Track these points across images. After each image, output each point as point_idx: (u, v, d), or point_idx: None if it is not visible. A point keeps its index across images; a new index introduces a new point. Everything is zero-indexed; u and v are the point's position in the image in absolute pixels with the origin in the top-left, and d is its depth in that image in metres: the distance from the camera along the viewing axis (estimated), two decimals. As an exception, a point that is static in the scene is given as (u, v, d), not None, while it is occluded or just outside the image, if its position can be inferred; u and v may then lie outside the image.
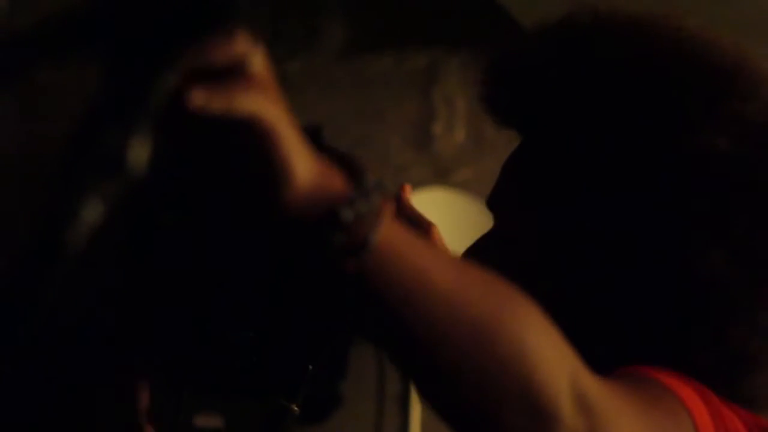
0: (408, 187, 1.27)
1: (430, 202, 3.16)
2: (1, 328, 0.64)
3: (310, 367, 1.27)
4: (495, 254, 1.17)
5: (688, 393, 0.96)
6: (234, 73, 0.72)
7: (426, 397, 0.79)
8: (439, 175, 3.44)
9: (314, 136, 3.16)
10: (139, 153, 0.66)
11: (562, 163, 1.11)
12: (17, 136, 3.30)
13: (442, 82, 3.48)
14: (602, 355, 1.02)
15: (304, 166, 0.76)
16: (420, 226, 1.25)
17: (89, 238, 0.66)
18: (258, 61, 0.73)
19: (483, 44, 3.46)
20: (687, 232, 1.05)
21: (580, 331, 1.01)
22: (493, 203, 1.21)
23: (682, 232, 1.05)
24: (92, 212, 0.63)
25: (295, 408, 1.28)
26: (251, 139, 0.77)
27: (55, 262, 0.63)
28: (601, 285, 1.08)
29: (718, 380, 1.05)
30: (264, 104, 0.73)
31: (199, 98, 0.70)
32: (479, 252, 1.19)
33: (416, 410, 3.21)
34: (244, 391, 1.25)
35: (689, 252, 1.05)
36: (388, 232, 0.77)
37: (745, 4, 2.99)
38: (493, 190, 1.21)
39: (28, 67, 0.80)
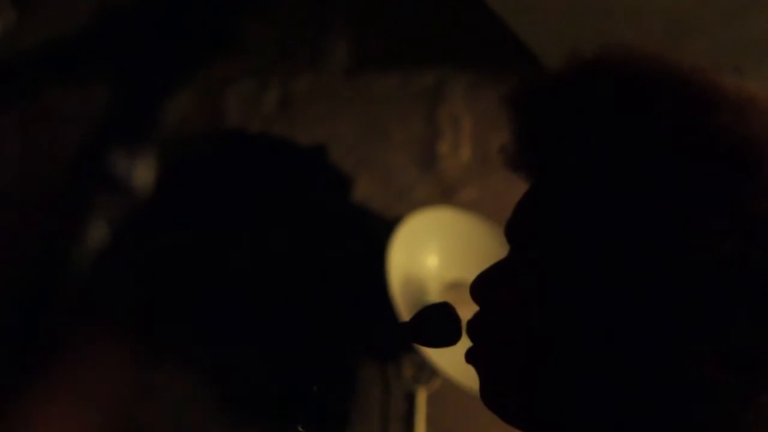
0: None
1: (436, 222, 3.16)
2: (7, 342, 0.64)
3: (315, 387, 1.27)
4: (504, 286, 1.15)
5: None
6: None
7: None
8: (445, 194, 3.43)
9: (319, 156, 3.18)
10: (144, 175, 0.66)
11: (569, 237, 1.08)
12: (23, 155, 3.30)
13: (448, 102, 3.48)
14: None
15: None
16: None
17: (94, 258, 0.66)
18: None
19: (488, 64, 3.46)
20: (685, 338, 1.00)
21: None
22: (509, 234, 1.19)
23: (680, 337, 1.00)
24: (97, 234, 0.63)
25: (300, 429, 1.27)
26: None
27: (61, 281, 0.62)
28: (593, 379, 1.04)
29: None
30: None
31: None
32: (490, 280, 1.17)
33: (420, 431, 3.20)
34: (250, 411, 1.24)
35: (686, 357, 1.00)
36: None
37: (750, 27, 2.99)
38: (511, 219, 1.18)
39: (34, 87, 0.80)
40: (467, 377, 3.00)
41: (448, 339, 1.20)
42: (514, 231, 1.17)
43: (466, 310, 3.19)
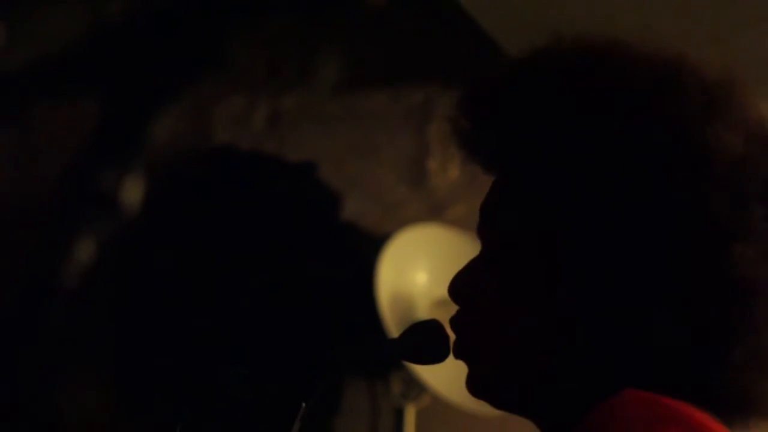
0: None
1: (425, 239, 3.16)
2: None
3: (303, 404, 1.27)
4: (484, 276, 1.18)
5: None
6: None
7: None
8: (434, 211, 3.44)
9: (309, 173, 3.18)
10: (133, 193, 0.66)
11: (537, 191, 1.12)
12: (12, 172, 3.29)
13: (437, 119, 3.48)
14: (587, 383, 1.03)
15: None
16: None
17: (82, 276, 0.66)
18: None
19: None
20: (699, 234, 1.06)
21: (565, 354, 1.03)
22: (480, 228, 1.22)
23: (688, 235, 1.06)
24: (85, 251, 0.63)
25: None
26: None
27: (49, 299, 0.63)
28: (597, 307, 1.08)
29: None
30: None
31: None
32: (464, 277, 1.20)
33: (410, 447, 3.20)
34: (239, 428, 1.24)
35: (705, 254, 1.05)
36: None
37: (742, 45, 3.00)
38: (481, 213, 1.22)
39: (23, 103, 0.80)
40: (456, 394, 3.00)
41: (437, 356, 1.21)
42: (483, 224, 1.21)
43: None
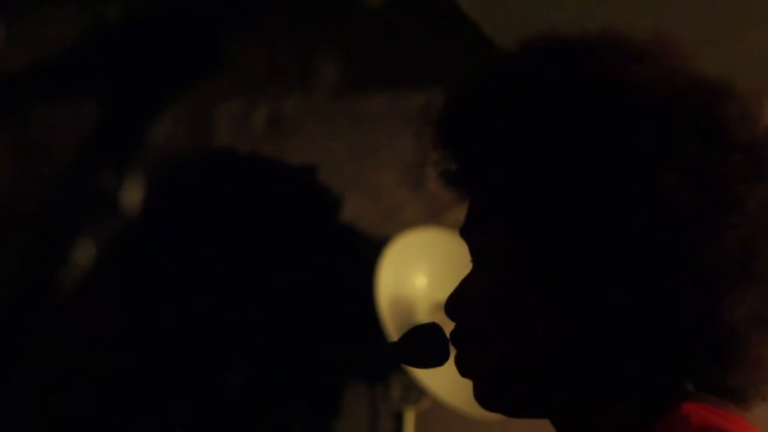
0: None
1: (425, 242, 3.15)
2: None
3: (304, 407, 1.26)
4: (473, 292, 1.18)
5: None
6: None
7: None
8: (433, 215, 3.43)
9: (309, 175, 3.18)
10: (132, 196, 0.65)
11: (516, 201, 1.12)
12: (11, 174, 3.29)
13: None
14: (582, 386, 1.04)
15: None
16: None
17: (81, 279, 0.66)
18: None
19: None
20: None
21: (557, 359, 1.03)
22: (469, 245, 1.22)
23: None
24: (84, 254, 0.63)
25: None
26: None
27: (47, 303, 0.62)
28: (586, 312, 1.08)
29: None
30: None
31: None
32: (460, 290, 1.20)
33: (409, 450, 3.19)
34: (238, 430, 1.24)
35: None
36: None
37: (737, 48, 2.99)
38: (463, 231, 1.22)
39: (22, 105, 0.80)
40: (455, 397, 3.00)
41: (436, 359, 1.20)
42: (468, 241, 1.21)
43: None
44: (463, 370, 1.19)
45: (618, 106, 1.07)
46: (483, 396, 1.19)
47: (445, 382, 2.94)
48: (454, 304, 1.19)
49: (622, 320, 1.07)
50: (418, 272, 3.11)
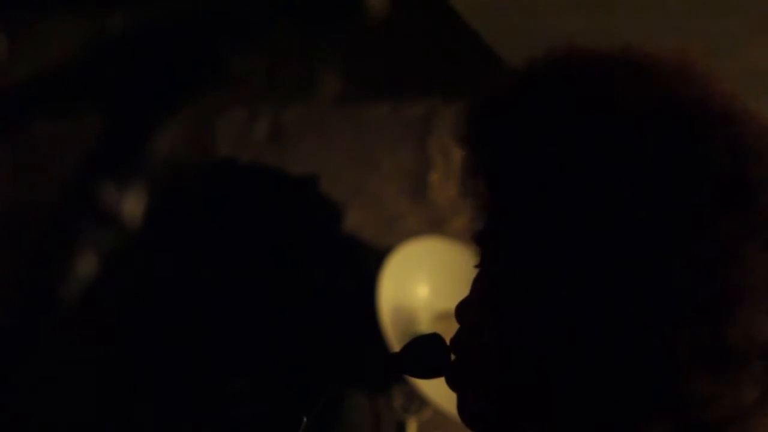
0: None
1: (425, 252, 3.16)
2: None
3: (305, 418, 1.26)
4: (470, 303, 1.17)
5: None
6: None
7: None
8: (435, 225, 3.43)
9: (310, 185, 3.18)
10: (134, 207, 0.65)
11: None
12: (13, 185, 3.29)
13: (439, 131, 3.48)
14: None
15: None
16: None
17: (83, 290, 0.66)
18: None
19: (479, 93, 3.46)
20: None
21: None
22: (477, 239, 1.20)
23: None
24: (86, 265, 0.63)
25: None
26: None
27: (49, 312, 0.62)
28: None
29: None
30: None
31: None
32: (464, 302, 1.19)
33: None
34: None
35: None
36: None
37: (738, 60, 2.99)
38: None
39: (24, 116, 0.80)
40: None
41: (438, 370, 1.20)
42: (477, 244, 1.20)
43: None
44: (450, 381, 1.18)
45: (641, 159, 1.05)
46: (463, 410, 1.17)
47: (446, 391, 2.93)
48: (457, 308, 1.19)
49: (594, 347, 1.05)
50: (419, 282, 3.11)
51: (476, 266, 1.18)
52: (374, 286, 3.01)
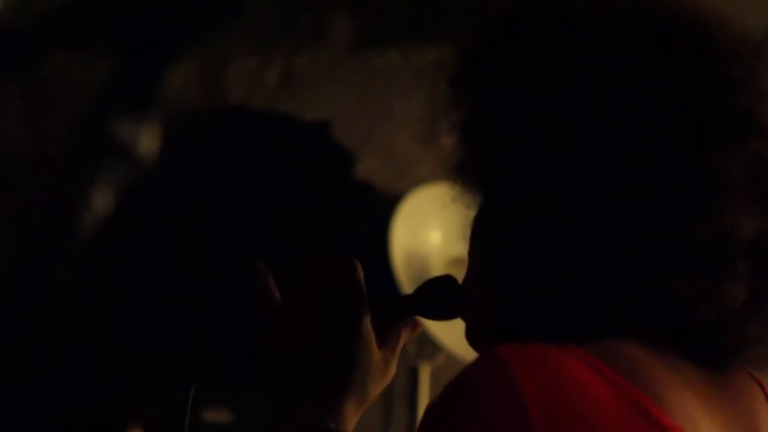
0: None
1: (438, 198, 3.15)
2: (16, 312, 0.64)
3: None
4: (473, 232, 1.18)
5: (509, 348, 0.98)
6: None
7: None
8: (447, 171, 3.42)
9: (322, 132, 3.16)
10: (149, 142, 0.65)
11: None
12: (28, 123, 3.29)
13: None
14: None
15: None
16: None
17: (99, 225, 0.66)
18: None
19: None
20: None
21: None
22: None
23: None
24: (102, 200, 0.63)
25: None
26: None
27: (66, 248, 0.62)
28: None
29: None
30: None
31: None
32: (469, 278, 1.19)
33: (423, 402, 3.21)
34: (252, 384, 1.24)
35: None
36: None
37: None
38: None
39: (36, 56, 0.80)
40: (471, 352, 3.00)
41: (450, 310, 1.20)
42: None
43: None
44: (469, 339, 1.19)
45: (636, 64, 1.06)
46: (470, 335, 1.18)
47: (460, 337, 2.94)
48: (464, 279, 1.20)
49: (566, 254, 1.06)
50: (432, 228, 3.11)
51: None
52: (387, 232, 3.01)
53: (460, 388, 0.98)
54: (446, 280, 1.20)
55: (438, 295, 1.20)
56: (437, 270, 3.03)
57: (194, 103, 3.28)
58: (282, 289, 1.21)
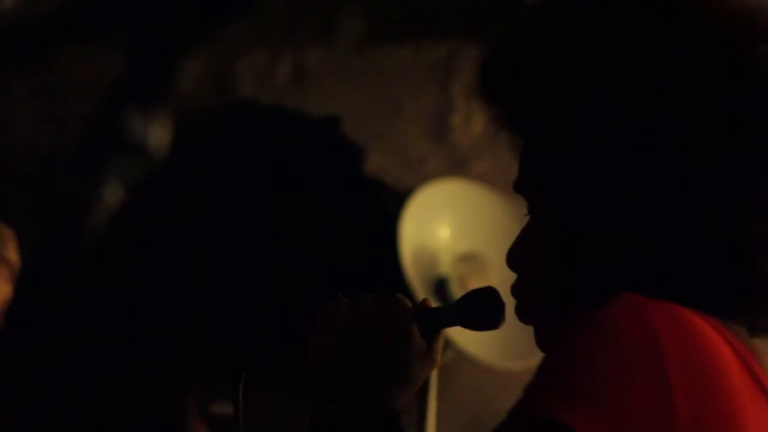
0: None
1: (448, 194, 3.16)
2: (26, 310, 0.65)
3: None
4: (529, 240, 1.20)
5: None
6: None
7: None
8: (457, 167, 3.43)
9: (332, 127, 3.16)
10: (160, 137, 0.66)
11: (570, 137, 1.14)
12: (38, 116, 3.31)
13: (461, 73, 3.47)
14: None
15: None
16: None
17: (110, 220, 0.66)
18: None
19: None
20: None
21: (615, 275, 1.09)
22: (518, 188, 1.23)
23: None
24: (113, 195, 0.64)
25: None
26: None
27: (77, 243, 0.63)
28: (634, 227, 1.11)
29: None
30: None
31: None
32: (518, 241, 1.21)
33: (433, 396, 3.21)
34: (260, 376, 1.25)
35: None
36: None
37: None
38: (519, 183, 1.24)
39: (45, 53, 0.80)
40: (479, 349, 3.01)
41: (494, 322, 1.24)
42: (521, 187, 1.23)
43: (478, 282, 3.19)
44: (525, 317, 1.22)
45: (665, 55, 1.09)
46: (524, 311, 1.21)
47: (469, 333, 2.95)
48: (513, 257, 1.22)
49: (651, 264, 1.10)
50: (441, 224, 3.12)
51: (527, 214, 1.21)
52: (396, 227, 3.02)
53: (598, 323, 1.02)
54: (490, 292, 1.24)
55: (484, 308, 1.25)
56: (446, 265, 3.04)
57: (205, 100, 3.29)
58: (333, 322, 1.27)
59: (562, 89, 1.13)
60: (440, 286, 2.97)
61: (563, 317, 1.15)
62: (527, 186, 1.22)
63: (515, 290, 1.22)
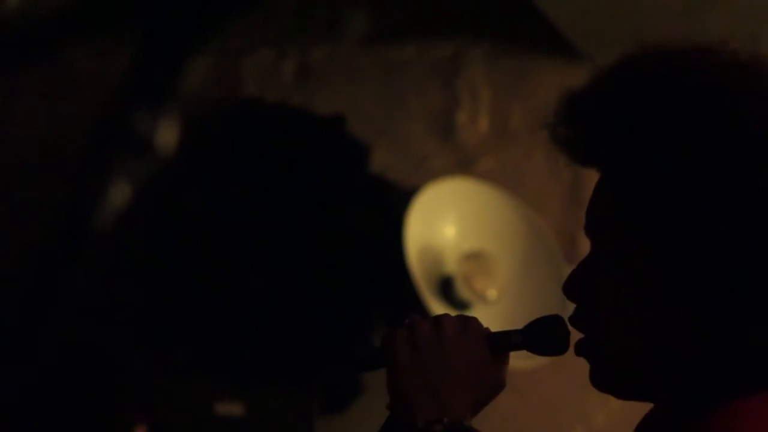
0: None
1: (453, 192, 3.16)
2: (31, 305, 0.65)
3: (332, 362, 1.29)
4: (595, 275, 1.22)
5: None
6: None
7: None
8: (462, 165, 3.43)
9: (337, 125, 3.17)
10: (167, 136, 0.66)
11: (647, 196, 1.16)
12: (46, 113, 3.30)
13: (466, 71, 3.47)
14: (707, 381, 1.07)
15: None
16: None
17: (116, 218, 0.66)
18: None
19: (507, 34, 3.45)
20: None
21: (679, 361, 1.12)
22: (589, 229, 1.25)
23: None
24: (119, 194, 0.63)
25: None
26: None
27: (84, 241, 0.63)
28: (709, 318, 1.13)
29: None
30: None
31: None
32: (580, 277, 1.22)
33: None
34: (267, 378, 1.25)
35: None
36: None
37: (711, 20, 2.95)
38: (588, 215, 1.25)
39: (52, 50, 0.80)
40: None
41: (560, 350, 1.29)
42: (593, 226, 1.24)
43: (482, 281, 3.18)
44: (582, 351, 1.24)
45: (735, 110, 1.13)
46: (597, 378, 1.24)
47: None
48: (574, 288, 1.24)
49: (737, 324, 1.13)
50: (446, 222, 3.11)
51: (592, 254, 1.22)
52: (401, 226, 3.02)
53: None
54: (558, 321, 1.28)
55: (550, 335, 1.29)
56: (451, 264, 3.03)
57: (210, 97, 3.28)
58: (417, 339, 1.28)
59: (658, 134, 1.15)
60: (445, 284, 2.97)
61: (620, 360, 1.19)
62: (603, 215, 1.23)
63: (573, 321, 1.25)
